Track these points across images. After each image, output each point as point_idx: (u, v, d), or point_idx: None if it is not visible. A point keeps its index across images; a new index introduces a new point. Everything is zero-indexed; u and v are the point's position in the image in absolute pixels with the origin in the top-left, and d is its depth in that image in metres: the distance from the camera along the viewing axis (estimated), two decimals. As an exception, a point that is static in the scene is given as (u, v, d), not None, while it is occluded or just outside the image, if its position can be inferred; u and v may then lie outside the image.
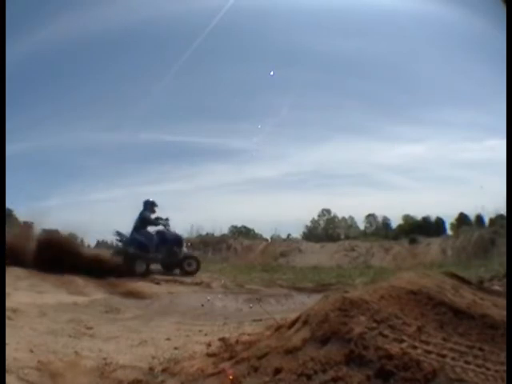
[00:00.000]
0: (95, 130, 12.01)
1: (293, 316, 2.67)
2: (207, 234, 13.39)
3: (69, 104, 11.27)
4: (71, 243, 7.33)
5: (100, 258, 7.21)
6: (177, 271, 7.95)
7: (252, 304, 5.18)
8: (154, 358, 2.97)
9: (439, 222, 13.76)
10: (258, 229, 14.33)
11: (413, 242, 11.96)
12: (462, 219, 13.21)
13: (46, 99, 11.39)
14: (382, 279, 4.09)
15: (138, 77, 11.85)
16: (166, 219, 8.34)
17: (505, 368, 1.87)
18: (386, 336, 2.04)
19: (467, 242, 10.90)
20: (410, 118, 12.26)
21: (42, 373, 2.55)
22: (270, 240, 13.58)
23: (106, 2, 10.48)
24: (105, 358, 2.91)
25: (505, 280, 4.44)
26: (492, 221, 11.92)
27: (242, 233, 14.22)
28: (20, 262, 6.21)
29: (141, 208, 8.24)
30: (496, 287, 4.41)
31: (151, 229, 8.30)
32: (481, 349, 2.02)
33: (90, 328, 3.84)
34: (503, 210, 9.85)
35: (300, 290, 6.39)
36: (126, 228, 8.10)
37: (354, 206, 13.39)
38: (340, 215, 15.51)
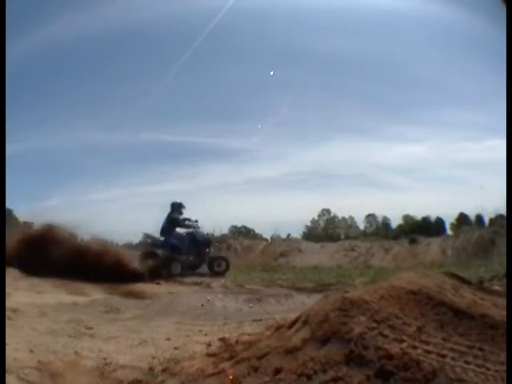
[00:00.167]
0: (95, 130, 12.06)
1: (293, 316, 2.67)
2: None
3: (69, 104, 11.30)
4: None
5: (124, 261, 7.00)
6: (205, 272, 8.02)
7: (252, 304, 5.18)
8: (154, 357, 2.97)
9: (439, 222, 13.76)
10: (258, 229, 14.36)
11: (413, 242, 11.95)
12: (462, 219, 13.21)
13: (46, 99, 11.44)
14: (382, 279, 4.08)
15: (138, 77, 11.90)
16: (196, 221, 8.47)
17: (505, 368, 1.86)
18: (385, 336, 2.04)
19: (467, 242, 10.90)
20: (410, 118, 12.31)
21: (41, 373, 2.55)
22: (269, 240, 13.58)
23: (106, 2, 10.52)
24: (105, 358, 2.92)
25: (505, 280, 4.44)
26: (492, 221, 11.92)
27: (242, 233, 14.21)
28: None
29: (141, 208, 8.30)
30: (496, 287, 4.40)
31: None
32: (481, 349, 2.02)
33: (90, 328, 3.84)
34: (503, 210, 9.87)
35: (300, 289, 6.38)
36: (126, 228, 8.10)
37: (354, 206, 13.43)
38: (340, 215, 15.55)
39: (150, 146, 12.64)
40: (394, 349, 1.93)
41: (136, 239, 10.08)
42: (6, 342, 2.56)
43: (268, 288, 6.58)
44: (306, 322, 2.35)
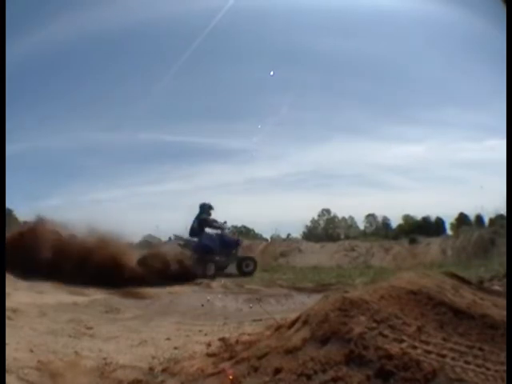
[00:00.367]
0: (95, 130, 12.01)
1: (293, 316, 2.67)
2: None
3: (69, 104, 11.28)
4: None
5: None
6: (234, 272, 8.09)
7: (252, 304, 5.18)
8: (153, 357, 2.97)
9: (439, 222, 13.75)
10: (257, 229, 14.34)
11: (413, 242, 11.93)
12: (462, 219, 13.20)
13: (46, 99, 11.42)
14: (382, 279, 4.08)
15: (138, 77, 11.86)
16: (225, 222, 8.54)
17: (505, 368, 1.86)
18: (385, 336, 2.04)
19: (467, 242, 10.88)
20: (410, 117, 12.28)
21: (41, 373, 2.56)
22: (269, 240, 13.57)
23: (105, 2, 10.49)
24: (105, 358, 2.92)
25: (505, 280, 4.43)
26: (492, 221, 11.91)
27: (242, 233, 14.20)
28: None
29: (141, 208, 8.33)
30: (496, 287, 4.39)
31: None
32: (481, 349, 2.02)
33: (90, 328, 3.84)
34: (503, 210, 9.85)
35: (300, 289, 6.37)
36: (126, 228, 8.06)
37: (354, 206, 13.40)
38: (340, 215, 15.52)
39: (149, 145, 12.62)
40: (394, 349, 1.93)
41: (136, 239, 10.07)
42: (6, 341, 2.56)
43: (268, 288, 6.57)
44: (305, 322, 2.35)
